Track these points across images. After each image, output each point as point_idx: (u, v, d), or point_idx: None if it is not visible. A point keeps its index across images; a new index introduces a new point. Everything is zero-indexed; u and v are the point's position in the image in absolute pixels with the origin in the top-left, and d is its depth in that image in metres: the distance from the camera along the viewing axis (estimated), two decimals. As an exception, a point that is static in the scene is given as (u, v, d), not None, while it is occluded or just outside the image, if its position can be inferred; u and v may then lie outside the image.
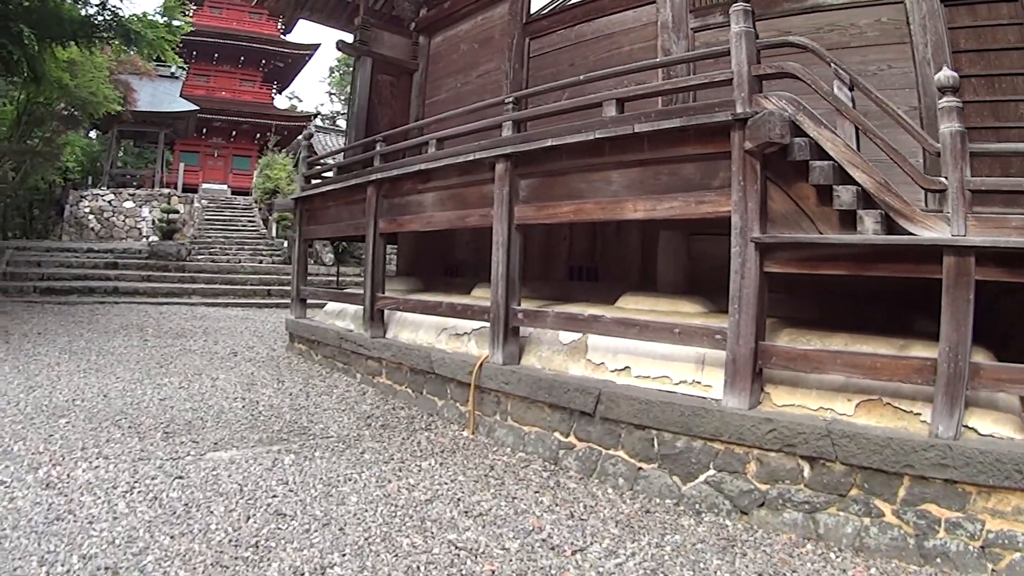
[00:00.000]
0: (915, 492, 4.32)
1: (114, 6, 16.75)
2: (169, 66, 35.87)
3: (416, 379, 8.31)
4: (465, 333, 8.10)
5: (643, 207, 5.86)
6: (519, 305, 7.09)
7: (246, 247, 26.57)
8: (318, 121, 41.63)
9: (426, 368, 8.00)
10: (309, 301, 12.18)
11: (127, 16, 16.89)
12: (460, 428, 7.37)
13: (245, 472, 5.63)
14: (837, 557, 4.40)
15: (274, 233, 28.45)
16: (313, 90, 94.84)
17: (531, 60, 10.10)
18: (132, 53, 25.90)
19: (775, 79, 5.45)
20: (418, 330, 8.90)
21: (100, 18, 16.63)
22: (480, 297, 8.47)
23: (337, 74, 68.04)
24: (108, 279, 19.88)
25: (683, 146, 5.60)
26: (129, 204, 29.89)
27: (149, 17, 17.70)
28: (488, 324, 7.31)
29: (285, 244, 25.25)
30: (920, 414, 4.58)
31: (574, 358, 6.69)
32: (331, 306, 11.67)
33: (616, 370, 6.26)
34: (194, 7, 37.69)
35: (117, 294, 18.78)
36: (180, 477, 5.40)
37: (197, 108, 37.15)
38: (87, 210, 29.12)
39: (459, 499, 5.25)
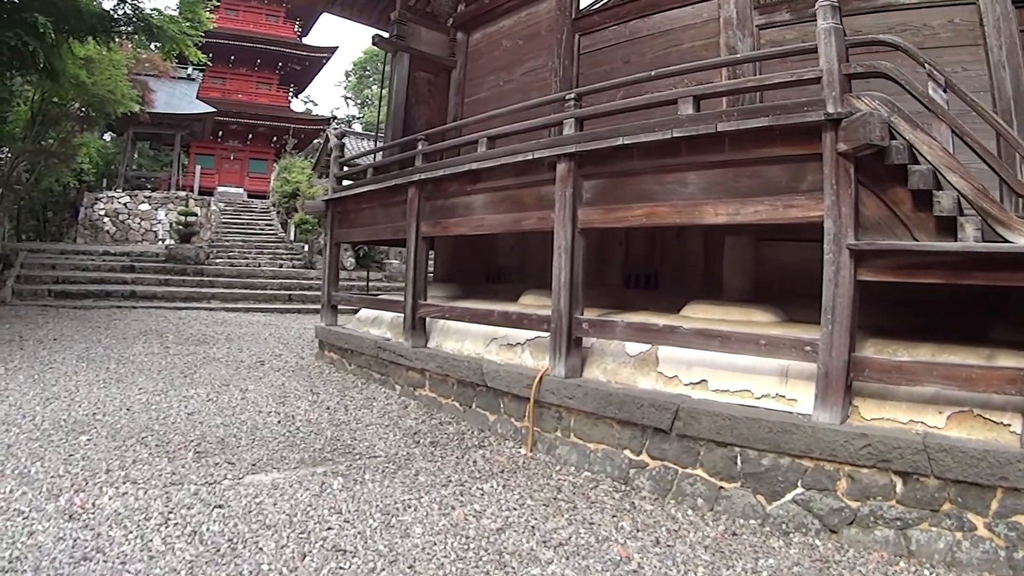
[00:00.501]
0: (1007, 504, 4.15)
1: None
2: (186, 67, 35.87)
3: (464, 392, 7.79)
4: (518, 343, 7.58)
5: (725, 211, 5.47)
6: (582, 314, 6.61)
7: (265, 251, 26.15)
8: (334, 125, 40.95)
9: (476, 381, 7.49)
10: (338, 307, 11.63)
11: (148, 10, 16.31)
12: (516, 445, 6.83)
13: (292, 499, 5.01)
14: (931, 573, 4.20)
15: (292, 236, 28.10)
16: (328, 94, 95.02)
17: (581, 57, 9.69)
18: (152, 51, 25.55)
19: (863, 79, 5.14)
20: (464, 340, 8.39)
21: (120, 11, 16.06)
22: (531, 305, 8.15)
23: (353, 78, 68.04)
24: (125, 283, 19.35)
25: (768, 147, 5.24)
26: (145, 207, 29.57)
27: (170, 12, 17.13)
28: (545, 334, 6.87)
29: (305, 248, 24.82)
30: (1010, 425, 4.41)
31: (643, 371, 6.26)
32: (364, 313, 11.10)
33: (691, 384, 5.86)
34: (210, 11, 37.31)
35: (135, 298, 18.24)
36: (220, 506, 4.78)
37: (214, 110, 36.85)
38: (102, 212, 28.77)
39: (533, 527, 4.74)
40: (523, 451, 6.65)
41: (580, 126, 6.70)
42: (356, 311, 11.71)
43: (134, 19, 16.16)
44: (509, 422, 7.11)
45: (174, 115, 34.43)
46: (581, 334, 6.57)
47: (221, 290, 20.05)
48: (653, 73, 6.60)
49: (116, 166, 34.07)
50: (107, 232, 28.37)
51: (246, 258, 24.54)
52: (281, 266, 24.08)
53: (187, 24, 17.32)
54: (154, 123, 33.27)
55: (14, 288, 17.28)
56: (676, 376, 5.98)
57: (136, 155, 38.45)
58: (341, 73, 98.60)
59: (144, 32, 16.51)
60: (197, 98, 37.59)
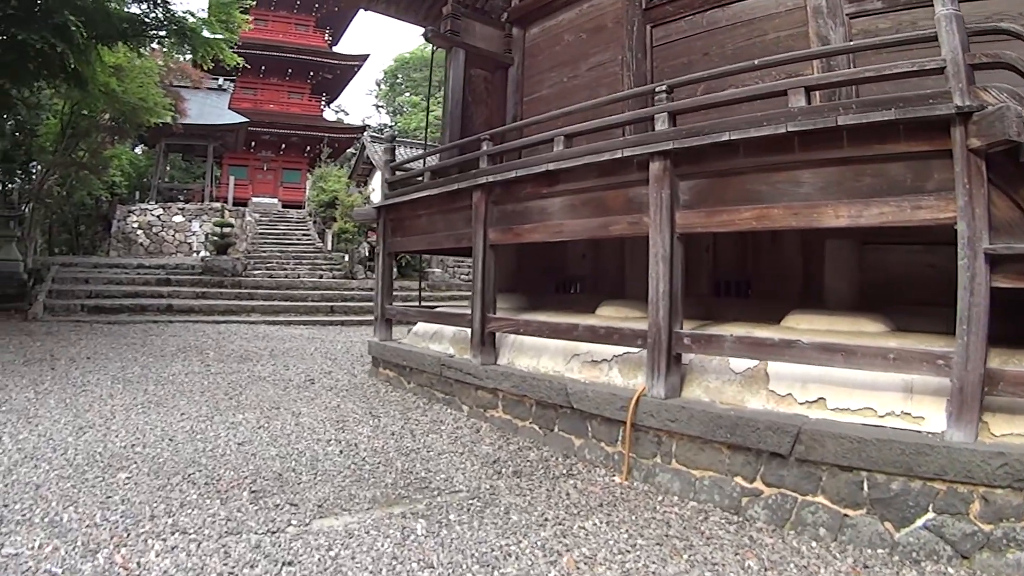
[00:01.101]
0: None
1: (167, 1, 15.49)
2: (216, 78, 35.49)
3: (545, 414, 7.04)
4: (604, 360, 6.85)
5: (846, 213, 4.97)
6: (682, 328, 5.96)
7: (304, 261, 25.55)
8: (368, 134, 40.41)
9: (560, 402, 6.75)
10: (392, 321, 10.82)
11: (181, 12, 15.60)
12: (609, 473, 6.07)
13: (372, 551, 4.18)
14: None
15: (329, 246, 27.67)
16: (359, 103, 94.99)
17: (654, 50, 9.04)
18: (183, 60, 24.98)
19: (986, 70, 4.67)
20: (540, 356, 7.61)
21: (152, 15, 15.36)
22: (612, 317, 7.55)
23: (385, 86, 67.81)
24: (161, 296, 18.77)
25: (890, 142, 4.76)
26: (179, 218, 29.32)
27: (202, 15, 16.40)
28: (636, 350, 6.38)
29: (346, 258, 24.19)
30: None
31: (752, 389, 5.64)
32: (422, 327, 10.31)
33: (807, 403, 5.29)
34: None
35: (171, 312, 17.57)
36: (289, 563, 3.93)
37: (247, 120, 36.51)
38: (135, 225, 28.54)
39: (655, 574, 4.06)
40: (618, 479, 5.92)
41: (673, 121, 6.10)
42: (400, 322, 10.97)
43: (166, 22, 15.47)
44: (598, 447, 6.42)
45: (206, 126, 34.00)
46: (682, 350, 5.92)
47: (260, 302, 19.40)
48: (756, 62, 6.06)
49: (148, 178, 33.92)
50: (140, 245, 28.14)
51: (284, 269, 23.97)
52: (321, 277, 23.42)
53: (221, 26, 16.58)
54: (186, 134, 32.95)
55: (46, 303, 16.67)
56: (790, 394, 5.41)
57: (168, 167, 38.34)
58: (371, 82, 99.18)
59: (177, 36, 15.81)
60: (229, 108, 37.24)
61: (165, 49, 18.75)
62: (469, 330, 8.33)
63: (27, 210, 22.49)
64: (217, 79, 36.87)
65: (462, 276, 27.21)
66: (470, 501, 5.21)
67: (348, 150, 50.43)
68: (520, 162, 7.66)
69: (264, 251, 26.39)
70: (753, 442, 5.12)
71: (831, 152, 5.01)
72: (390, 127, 59.25)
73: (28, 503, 4.69)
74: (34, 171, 24.27)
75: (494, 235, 7.92)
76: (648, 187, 6.03)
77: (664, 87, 6.25)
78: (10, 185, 22.58)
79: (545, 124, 8.08)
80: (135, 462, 5.75)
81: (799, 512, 4.91)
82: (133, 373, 9.83)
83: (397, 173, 10.93)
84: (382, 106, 70.07)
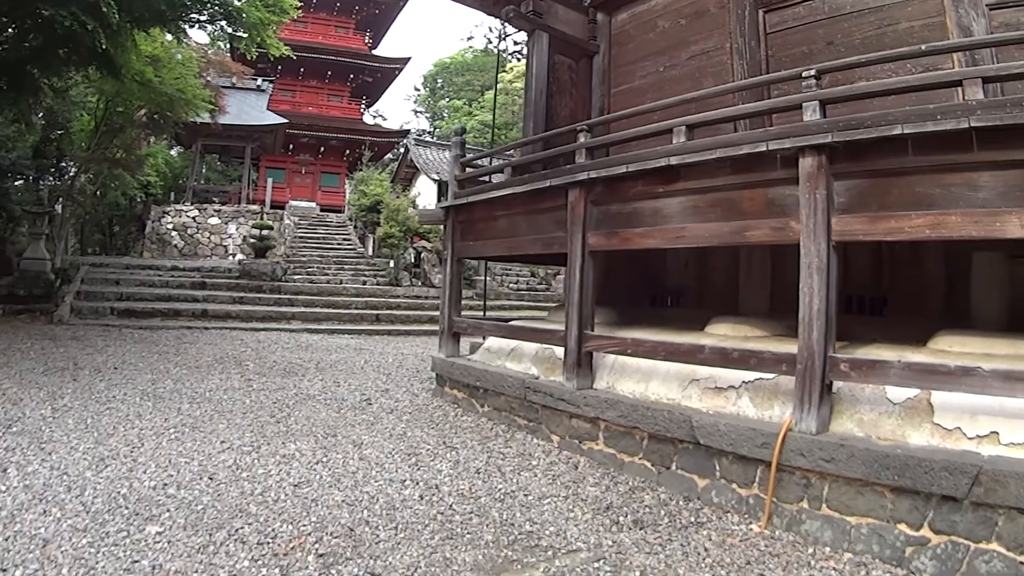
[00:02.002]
0: None
1: (210, -20, 14.43)
2: (255, 78, 34.82)
3: (660, 450, 6.14)
4: (731, 387, 5.94)
5: None
6: (835, 351, 5.19)
7: (346, 267, 24.51)
8: (413, 137, 39.58)
9: (682, 436, 5.86)
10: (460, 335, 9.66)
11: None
12: (743, 520, 5.17)
13: None
14: None
15: (371, 251, 26.81)
16: (397, 108, 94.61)
17: (769, 37, 8.30)
18: (223, 51, 24.03)
19: None
20: (648, 381, 6.62)
21: (193, -5, 14.29)
22: (729, 336, 6.74)
23: (425, 91, 67.25)
24: (195, 300, 17.65)
25: None
26: (215, 220, 28.83)
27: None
28: (770, 376, 5.65)
29: (390, 263, 23.11)
30: None
31: (913, 422, 4.97)
32: (495, 343, 9.18)
33: (977, 437, 4.68)
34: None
35: (206, 318, 16.40)
36: None
37: (286, 121, 35.90)
38: (170, 226, 28.05)
39: None
40: (755, 528, 5.03)
41: (823, 111, 5.36)
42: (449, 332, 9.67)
43: (209, 3, 14.33)
44: (728, 489, 5.55)
45: (245, 126, 33.44)
46: (837, 377, 5.13)
47: (301, 309, 18.26)
48: (924, 47, 5.41)
49: (184, 180, 33.65)
50: (175, 246, 27.62)
51: (326, 274, 22.87)
52: (364, 283, 22.27)
53: (268, 11, 15.44)
54: (224, 134, 32.54)
55: (73, 305, 15.62)
56: (958, 428, 4.77)
57: (204, 168, 37.90)
58: (409, 88, 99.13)
59: (224, 18, 14.68)
60: (267, 110, 36.37)
61: (207, 33, 17.56)
62: (555, 348, 7.49)
63: (58, 208, 21.74)
64: (256, 79, 36.40)
65: (510, 284, 26.12)
66: (595, 564, 4.22)
67: (387, 155, 49.90)
68: (630, 156, 6.66)
69: (303, 255, 25.40)
70: (924, 484, 4.48)
71: (1013, 153, 4.44)
72: (430, 132, 58.60)
73: (32, 567, 3.63)
74: (66, 168, 23.42)
75: (594, 240, 6.94)
76: (797, 187, 5.29)
77: (813, 71, 5.48)
78: (40, 182, 21.63)
79: (650, 115, 7.18)
80: (168, 509, 4.60)
81: (971, 562, 4.35)
82: (165, 388, 8.68)
83: (468, 170, 9.79)
84: (421, 111, 69.69)
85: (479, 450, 6.69)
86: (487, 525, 4.72)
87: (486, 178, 9.52)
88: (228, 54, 27.31)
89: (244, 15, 14.36)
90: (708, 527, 5.00)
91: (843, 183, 5.14)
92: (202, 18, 14.94)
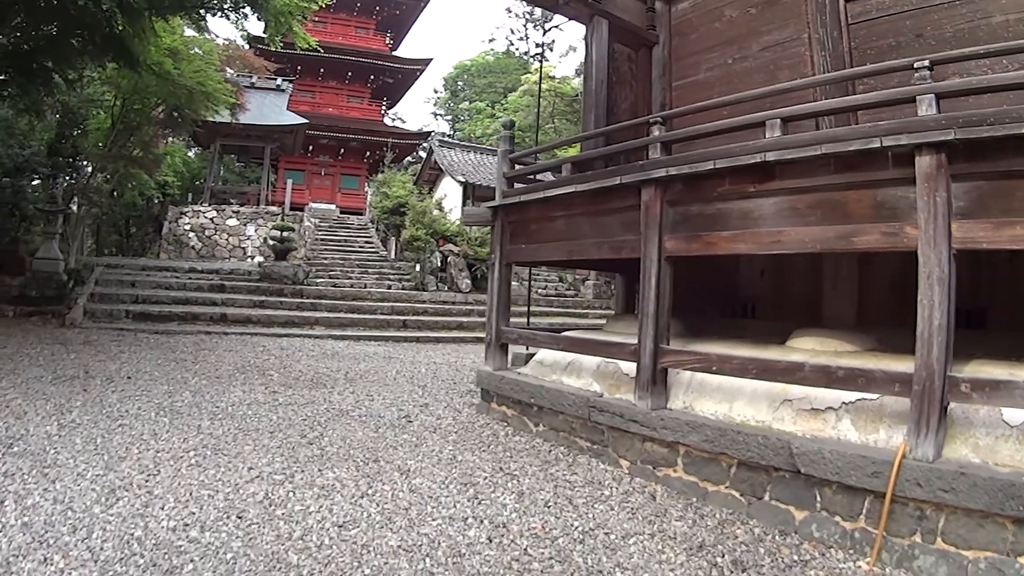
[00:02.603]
0: None
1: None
2: (274, 78, 34.27)
3: (750, 478, 5.58)
4: (829, 409, 5.42)
5: None
6: (954, 370, 4.76)
7: (369, 270, 23.70)
8: (437, 138, 38.89)
9: (778, 464, 5.31)
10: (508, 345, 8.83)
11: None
12: (848, 556, 4.66)
13: None
14: None
15: (392, 254, 26.13)
16: (416, 111, 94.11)
17: (851, 28, 7.76)
18: (242, 45, 23.34)
19: None
20: (732, 401, 6.04)
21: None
22: (815, 351, 6.17)
23: (445, 94, 66.71)
24: (214, 304, 16.89)
25: None
26: (233, 222, 28.47)
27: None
28: (872, 396, 5.15)
29: (417, 267, 22.31)
30: None
31: None
32: (548, 355, 8.41)
33: None
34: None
35: (225, 322, 15.62)
36: None
37: (306, 121, 35.35)
38: (187, 227, 27.78)
39: None
40: (864, 566, 4.56)
41: (938, 105, 4.92)
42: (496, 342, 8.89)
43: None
44: (831, 522, 5.04)
45: (264, 126, 32.95)
46: (958, 399, 4.71)
47: (325, 314, 17.47)
48: None
49: (202, 180, 33.33)
50: (192, 248, 27.34)
51: (349, 278, 22.08)
52: (389, 288, 21.51)
53: (294, -2, 14.70)
54: (243, 134, 32.14)
55: (86, 308, 14.88)
56: None
57: (222, 169, 37.51)
58: (428, 90, 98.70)
59: (248, 4, 13.93)
60: (287, 110, 35.76)
61: (231, 22, 16.75)
62: (621, 363, 6.97)
63: (73, 207, 21.21)
64: (275, 79, 35.87)
65: (538, 290, 25.26)
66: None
67: (406, 158, 49.33)
68: (714, 151, 6.04)
69: (325, 258, 24.60)
70: (1057, 516, 4.16)
71: None
72: (450, 135, 57.99)
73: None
74: (82, 167, 22.80)
75: (672, 244, 6.31)
76: (911, 188, 4.88)
77: (926, 62, 5.08)
78: (56, 180, 20.94)
79: (718, 111, 6.87)
80: (191, 559, 3.84)
81: (1098, 598, 4.11)
82: (183, 401, 7.90)
83: (517, 167, 9.08)
84: (441, 114, 69.12)
85: (542, 478, 5.93)
86: (573, 574, 3.97)
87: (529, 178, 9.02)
88: (248, 45, 26.58)
89: (269, 1, 13.56)
90: (814, 566, 4.48)
91: (962, 185, 4.70)
92: (224, 5, 14.21)
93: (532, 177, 9.13)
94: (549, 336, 8.34)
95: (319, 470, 5.65)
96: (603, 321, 22.11)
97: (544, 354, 8.48)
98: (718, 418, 5.95)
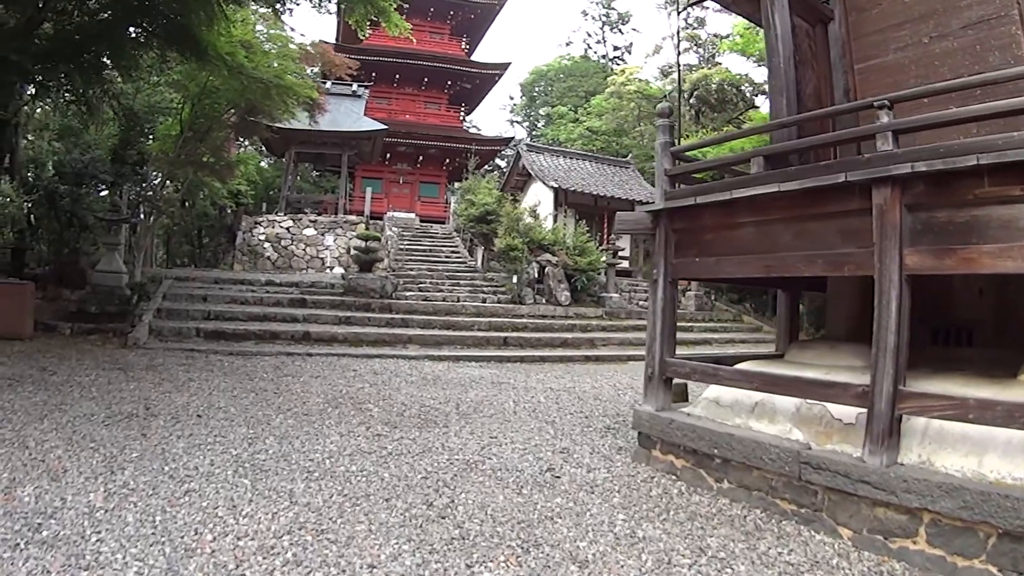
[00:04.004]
0: None
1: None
2: (349, 83, 33.20)
3: (1013, 550, 4.54)
4: None
5: None
6: None
7: (460, 282, 22.14)
8: (524, 143, 37.43)
9: None
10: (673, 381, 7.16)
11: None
12: None
13: None
14: None
15: (479, 264, 24.92)
16: (492, 118, 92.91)
17: None
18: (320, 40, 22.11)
19: None
20: (983, 453, 4.94)
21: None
22: None
23: (523, 99, 65.74)
24: (295, 320, 15.42)
25: None
26: (310, 232, 27.38)
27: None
28: None
29: (514, 279, 20.63)
30: None
31: None
32: (725, 394, 6.79)
33: None
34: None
35: (308, 341, 14.10)
36: None
37: (386, 127, 34.07)
38: (262, 237, 26.81)
39: None
40: None
41: None
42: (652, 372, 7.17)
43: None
44: None
45: (342, 132, 31.78)
46: None
47: (417, 331, 15.87)
48: None
49: (275, 190, 32.89)
50: (267, 258, 26.39)
51: (440, 291, 20.54)
52: (485, 300, 19.93)
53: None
54: (319, 141, 31.22)
55: (152, 325, 13.47)
56: None
57: (297, 178, 36.52)
58: (503, 97, 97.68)
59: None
60: (364, 116, 34.60)
61: (312, 4, 15.19)
62: (830, 406, 5.75)
63: (140, 216, 20.26)
64: (350, 84, 34.78)
65: (639, 302, 23.50)
66: None
67: (485, 166, 48.14)
68: (973, 143, 4.93)
69: (411, 269, 23.15)
70: None
71: None
72: (524, 141, 56.80)
73: None
74: (148, 175, 21.76)
75: (915, 259, 5.19)
76: None
77: None
78: (120, 189, 19.83)
79: (924, 101, 5.88)
80: None
81: None
82: (267, 450, 6.29)
83: (678, 163, 7.51)
84: (518, 120, 67.79)
85: (756, 561, 4.53)
86: None
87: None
88: (329, 44, 25.29)
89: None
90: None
91: None
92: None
93: (697, 178, 7.72)
94: (738, 372, 6.54)
95: (467, 566, 4.02)
96: (714, 336, 20.56)
97: (719, 392, 6.85)
98: (966, 475, 4.88)
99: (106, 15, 11.74)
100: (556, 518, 5.01)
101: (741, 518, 5.39)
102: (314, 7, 15.06)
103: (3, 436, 6.08)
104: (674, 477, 6.43)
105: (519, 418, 8.66)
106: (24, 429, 6.35)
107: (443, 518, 4.82)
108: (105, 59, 12.83)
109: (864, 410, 5.23)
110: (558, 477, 6.11)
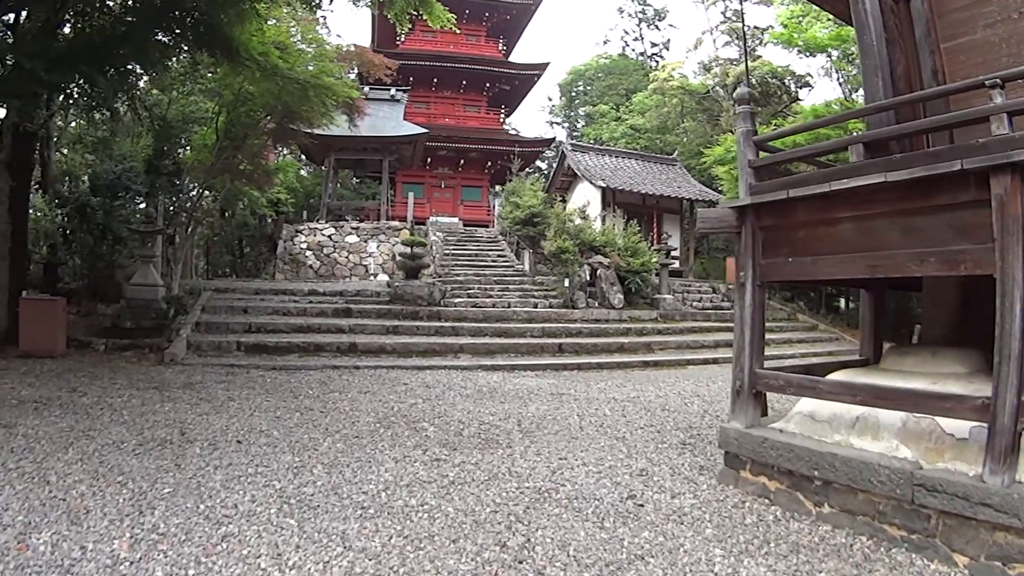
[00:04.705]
0: None
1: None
2: (388, 88, 32.89)
3: None
4: None
5: None
6: None
7: (510, 287, 21.53)
8: (569, 143, 36.75)
9: None
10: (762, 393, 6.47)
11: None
12: None
13: None
14: None
15: (527, 267, 24.47)
16: (531, 120, 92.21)
17: None
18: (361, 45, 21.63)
19: None
20: None
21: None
22: None
23: (562, 100, 65.23)
24: (340, 331, 14.81)
25: None
26: (352, 239, 26.96)
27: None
28: None
29: (566, 282, 19.93)
30: None
31: None
32: (820, 407, 6.11)
33: None
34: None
35: (355, 353, 13.51)
36: None
37: (427, 131, 33.60)
38: (303, 246, 26.41)
39: None
40: None
41: None
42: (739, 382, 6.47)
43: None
44: None
45: (382, 137, 31.41)
46: None
47: (468, 340, 15.24)
48: None
49: (315, 198, 32.88)
50: (310, 267, 25.98)
51: (490, 297, 19.93)
52: (536, 305, 19.25)
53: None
54: (358, 147, 31.02)
55: (190, 340, 12.99)
56: None
57: (338, 185, 36.25)
58: (542, 98, 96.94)
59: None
60: (403, 121, 34.17)
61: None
62: (942, 420, 5.20)
63: (176, 227, 20.02)
64: (388, 89, 34.50)
65: (693, 302, 22.77)
66: None
67: (525, 168, 47.61)
68: None
69: (458, 275, 22.58)
70: None
71: None
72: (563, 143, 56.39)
73: None
74: (184, 185, 21.37)
75: None
76: None
77: None
78: (156, 199, 19.43)
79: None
80: None
81: None
82: (315, 482, 5.67)
83: (760, 153, 6.79)
84: (557, 121, 67.10)
85: None
86: None
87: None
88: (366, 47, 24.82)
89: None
90: None
91: None
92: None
93: (784, 169, 7.20)
94: (840, 384, 5.81)
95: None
96: (771, 336, 19.68)
97: (815, 405, 6.15)
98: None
99: (129, 17, 11.23)
100: (647, 556, 4.39)
101: (847, 547, 4.87)
102: (350, 1, 14.47)
103: (23, 469, 5.54)
104: (767, 501, 5.78)
105: (587, 435, 7.98)
106: (46, 460, 5.81)
107: (520, 562, 4.20)
108: (131, 65, 12.33)
109: (978, 424, 4.76)
110: (641, 505, 5.44)
